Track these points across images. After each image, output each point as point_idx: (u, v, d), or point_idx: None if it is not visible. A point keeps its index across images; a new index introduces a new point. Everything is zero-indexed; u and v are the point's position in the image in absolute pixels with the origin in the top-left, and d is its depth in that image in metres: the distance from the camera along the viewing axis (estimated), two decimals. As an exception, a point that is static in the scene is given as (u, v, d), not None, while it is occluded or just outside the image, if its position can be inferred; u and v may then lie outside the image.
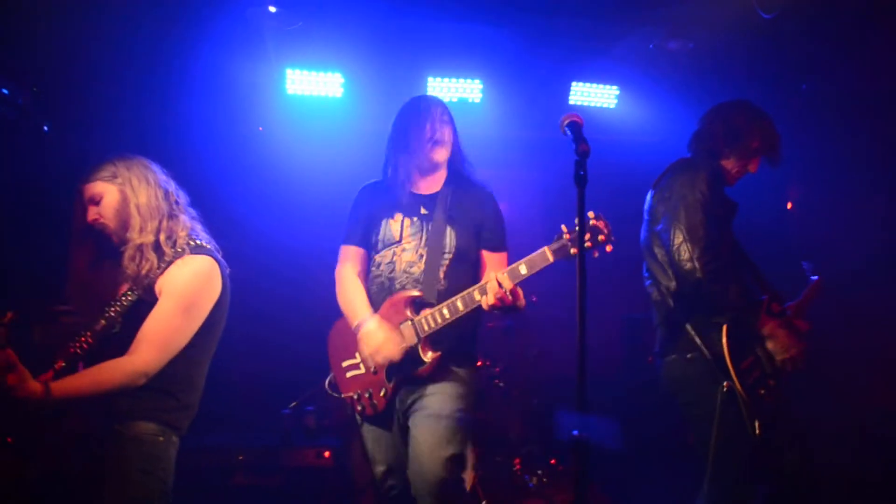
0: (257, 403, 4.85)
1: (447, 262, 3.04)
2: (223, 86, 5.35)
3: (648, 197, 3.35)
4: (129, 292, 2.62)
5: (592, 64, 5.58)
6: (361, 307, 3.06)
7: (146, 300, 2.59)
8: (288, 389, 4.64)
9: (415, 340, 2.93)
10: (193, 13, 4.56)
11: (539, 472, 4.61)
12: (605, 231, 2.58)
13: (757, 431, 2.99)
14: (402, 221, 3.10)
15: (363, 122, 5.62)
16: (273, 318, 5.29)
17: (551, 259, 2.69)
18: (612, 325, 5.75)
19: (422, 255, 3.03)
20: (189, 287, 2.60)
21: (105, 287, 2.71)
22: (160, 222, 2.68)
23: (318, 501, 4.00)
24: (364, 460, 3.06)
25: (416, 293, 2.97)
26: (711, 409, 3.05)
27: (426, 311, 2.91)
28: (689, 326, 3.13)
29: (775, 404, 3.07)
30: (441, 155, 3.11)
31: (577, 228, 2.37)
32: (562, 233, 2.68)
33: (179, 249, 2.67)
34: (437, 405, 2.95)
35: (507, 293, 2.73)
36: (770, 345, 3.07)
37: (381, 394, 3.02)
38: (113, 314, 2.61)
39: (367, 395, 3.04)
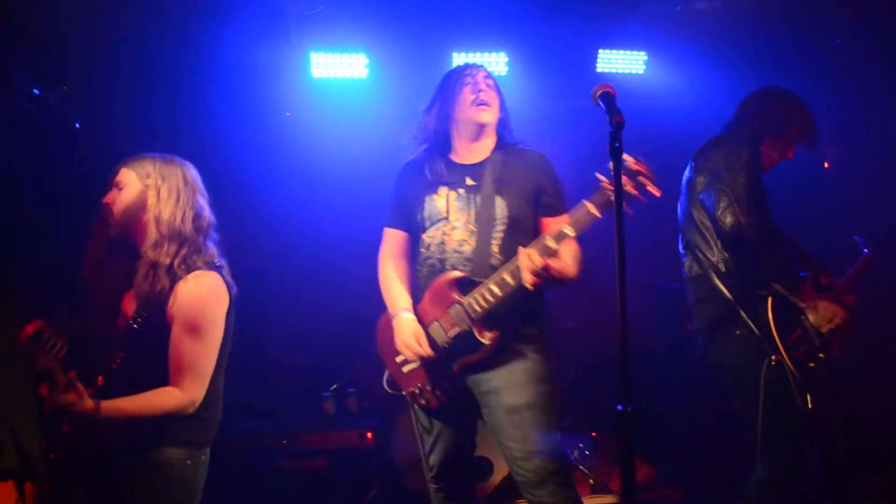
0: (299, 388, 4.92)
1: (500, 234, 2.81)
2: (249, 73, 5.37)
3: (687, 170, 3.32)
4: (143, 312, 2.51)
5: (618, 30, 5.46)
6: (398, 297, 2.93)
7: (159, 321, 2.49)
8: (329, 373, 4.69)
9: (467, 324, 2.75)
10: (216, 2, 4.56)
11: (580, 444, 4.60)
12: (648, 173, 2.46)
13: (809, 405, 2.97)
14: (447, 196, 2.90)
15: (389, 101, 5.59)
16: (310, 303, 5.35)
17: (597, 213, 2.56)
18: (645, 294, 5.69)
19: (472, 231, 2.82)
20: (201, 308, 2.50)
21: (117, 280, 2.63)
22: (180, 245, 2.53)
23: (362, 483, 4.04)
24: (407, 441, 3.07)
25: (458, 274, 2.79)
26: (761, 383, 3.04)
27: (476, 291, 2.73)
28: (734, 301, 3.09)
29: (825, 378, 3.04)
30: (487, 116, 2.91)
31: (613, 199, 2.21)
32: (600, 182, 2.54)
33: (184, 266, 2.52)
34: (511, 398, 2.75)
35: (541, 268, 2.56)
36: (812, 317, 3.03)
37: (446, 384, 2.85)
38: (132, 333, 2.51)
39: (428, 388, 2.85)
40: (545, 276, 2.59)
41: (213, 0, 4.50)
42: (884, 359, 4.32)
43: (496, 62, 5.62)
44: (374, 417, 4.37)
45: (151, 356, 2.49)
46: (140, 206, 2.56)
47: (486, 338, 2.72)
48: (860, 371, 3.63)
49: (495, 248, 2.80)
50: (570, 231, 2.60)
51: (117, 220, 2.57)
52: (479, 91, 2.92)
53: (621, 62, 5.74)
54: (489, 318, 2.75)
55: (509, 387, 2.76)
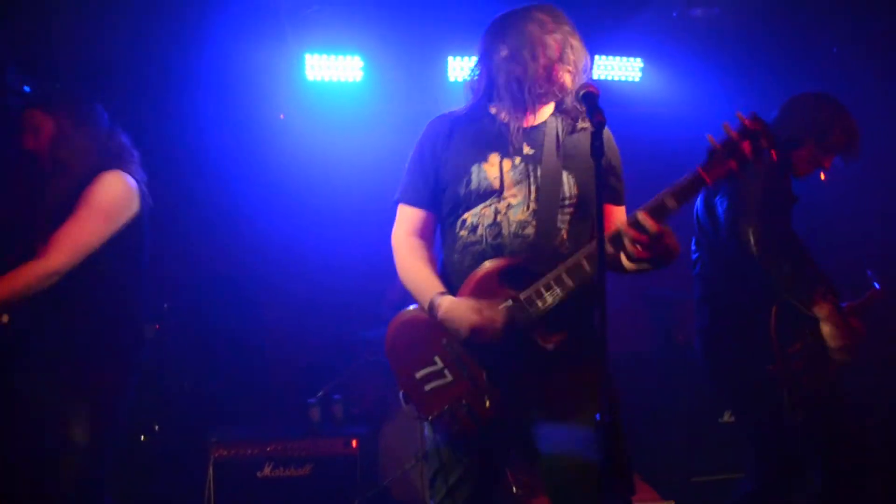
0: (284, 394, 4.87)
1: (569, 215, 2.29)
2: (242, 74, 5.30)
3: None
4: (46, 209, 2.82)
5: (614, 36, 5.40)
6: (431, 282, 2.30)
7: (63, 210, 2.77)
8: (316, 379, 4.64)
9: (525, 325, 2.18)
10: (208, 2, 4.51)
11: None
12: (765, 131, 2.09)
13: (800, 417, 2.91)
14: (501, 164, 2.31)
15: (384, 105, 5.55)
16: (297, 309, 5.30)
17: (708, 179, 2.12)
18: (635, 301, 5.63)
19: (534, 211, 2.26)
20: (103, 194, 2.80)
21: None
22: (88, 153, 2.88)
23: (347, 491, 3.98)
24: (394, 450, 2.95)
25: (512, 260, 2.22)
26: (756, 391, 2.99)
27: (538, 283, 2.17)
28: (739, 305, 3.04)
29: (822, 392, 2.97)
30: (569, 79, 2.31)
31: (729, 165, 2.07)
32: (712, 146, 2.12)
33: (99, 169, 2.86)
34: (576, 419, 2.20)
35: (656, 237, 2.04)
36: (825, 328, 2.91)
37: (486, 404, 2.22)
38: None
39: (463, 410, 2.23)
40: (655, 252, 2.07)
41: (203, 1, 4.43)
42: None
43: (491, 67, 5.55)
44: (360, 425, 4.31)
45: None
46: (62, 138, 2.89)
47: (549, 344, 2.19)
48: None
49: (563, 234, 2.27)
50: (671, 203, 2.10)
51: (48, 158, 2.89)
52: (564, 48, 2.31)
53: (617, 68, 5.69)
54: (552, 319, 2.19)
55: (569, 402, 2.24)
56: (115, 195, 2.84)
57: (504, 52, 2.33)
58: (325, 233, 5.47)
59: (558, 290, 2.15)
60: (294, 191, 5.61)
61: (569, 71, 2.30)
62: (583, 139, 2.33)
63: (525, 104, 2.33)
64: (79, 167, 2.85)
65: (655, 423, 4.50)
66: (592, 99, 2.07)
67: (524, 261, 2.22)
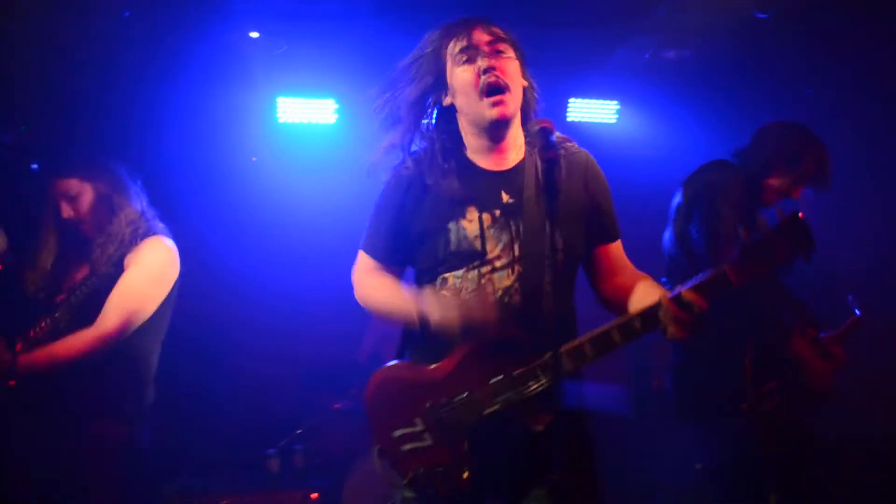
0: (244, 443, 4.67)
1: (554, 274, 2.05)
2: (212, 118, 5.24)
3: (676, 197, 3.17)
4: (92, 276, 2.80)
5: (589, 79, 5.41)
6: (406, 294, 2.14)
7: (110, 276, 2.79)
8: (277, 427, 4.47)
9: (514, 403, 2.00)
10: (175, 46, 4.46)
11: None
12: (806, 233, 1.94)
13: (772, 457, 2.80)
14: (481, 219, 2.10)
15: (359, 148, 5.46)
16: (264, 354, 5.14)
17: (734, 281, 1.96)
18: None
19: (520, 274, 2.07)
20: (158, 260, 2.88)
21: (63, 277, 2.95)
22: (131, 215, 2.93)
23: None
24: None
25: (511, 332, 2.02)
26: (726, 430, 2.89)
27: (535, 363, 1.99)
28: (712, 340, 2.89)
29: (796, 431, 2.90)
30: (506, 109, 2.08)
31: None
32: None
33: (143, 232, 2.93)
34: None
35: (695, 308, 1.90)
36: (802, 369, 2.88)
37: (464, 474, 2.05)
38: (73, 300, 2.77)
39: (439, 476, 2.07)
40: (694, 331, 1.93)
41: (171, 44, 4.38)
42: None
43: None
44: (322, 477, 4.14)
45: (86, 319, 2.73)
46: (102, 201, 2.95)
47: (538, 424, 2.01)
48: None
49: (549, 299, 2.05)
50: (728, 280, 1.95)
51: (90, 224, 2.94)
52: (487, 71, 2.07)
53: (593, 111, 5.67)
54: (544, 396, 2.00)
55: (560, 492, 2.04)
56: (163, 260, 2.91)
57: (418, 87, 2.19)
58: (296, 277, 5.34)
59: (555, 372, 1.97)
60: (266, 234, 5.51)
61: (504, 103, 2.08)
62: (569, 175, 2.15)
63: (475, 140, 2.17)
64: (123, 233, 2.88)
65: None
66: (546, 134, 1.97)
67: (513, 331, 2.02)
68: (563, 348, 1.97)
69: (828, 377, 2.93)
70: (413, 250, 2.22)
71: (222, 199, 5.41)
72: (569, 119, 5.64)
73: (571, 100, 5.62)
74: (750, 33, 4.30)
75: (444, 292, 2.09)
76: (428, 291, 2.11)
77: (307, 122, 5.48)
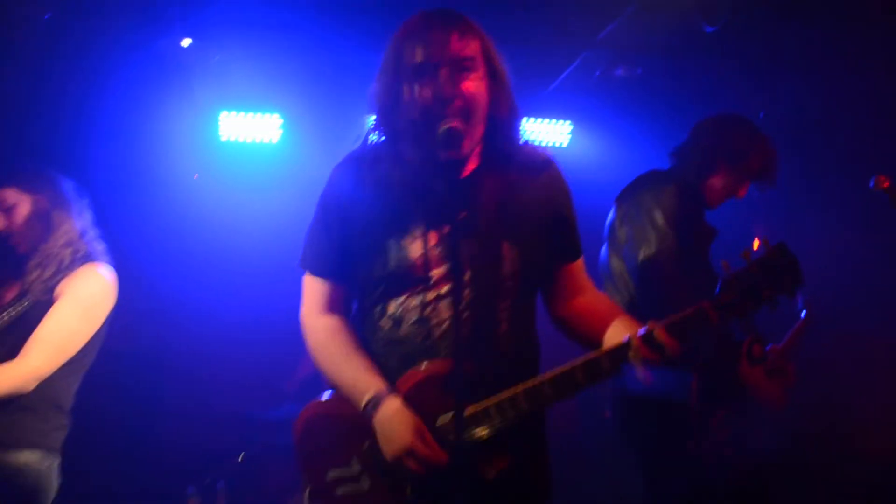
0: (163, 480, 4.36)
1: (510, 300, 1.87)
2: (149, 132, 5.01)
3: (610, 214, 2.96)
4: (23, 298, 2.62)
5: (540, 98, 5.28)
6: (370, 373, 1.86)
7: (41, 303, 2.60)
8: (200, 463, 4.17)
9: (463, 446, 1.71)
10: (104, 51, 4.23)
11: None
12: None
13: (726, 495, 2.63)
14: (426, 238, 1.85)
15: (304, 165, 5.27)
16: (190, 379, 4.86)
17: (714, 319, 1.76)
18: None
19: (469, 302, 1.81)
20: (91, 292, 2.67)
21: None
22: (70, 234, 2.72)
23: None
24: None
25: (447, 365, 1.78)
26: (673, 466, 2.69)
27: (489, 402, 1.77)
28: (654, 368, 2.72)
29: (751, 465, 2.72)
30: (463, 150, 1.83)
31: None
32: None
33: (81, 257, 2.72)
34: None
35: (668, 351, 1.71)
36: (751, 393, 2.73)
37: None
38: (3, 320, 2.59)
39: None
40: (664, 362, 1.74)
41: (99, 50, 4.15)
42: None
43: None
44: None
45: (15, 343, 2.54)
46: (39, 214, 2.73)
47: (491, 470, 1.80)
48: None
49: (503, 326, 1.86)
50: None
51: (24, 238, 2.71)
52: (443, 84, 1.80)
53: (546, 132, 5.54)
54: (497, 441, 1.79)
55: None
56: (97, 293, 2.71)
57: (386, 98, 1.90)
58: (233, 300, 5.08)
59: (510, 413, 1.76)
60: (203, 255, 5.26)
61: (457, 126, 1.80)
62: (527, 187, 1.92)
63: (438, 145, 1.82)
64: (62, 255, 2.69)
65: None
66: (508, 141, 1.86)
67: (463, 366, 1.72)
68: (520, 388, 1.76)
69: (779, 396, 2.76)
70: (353, 271, 1.96)
71: (160, 218, 5.16)
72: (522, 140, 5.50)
73: (523, 120, 5.47)
74: (701, 50, 4.20)
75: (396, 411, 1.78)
76: (393, 402, 1.79)
77: (250, 139, 5.26)
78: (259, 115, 5.21)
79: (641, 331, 1.72)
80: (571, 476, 4.28)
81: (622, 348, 1.74)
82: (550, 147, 5.53)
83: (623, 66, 4.56)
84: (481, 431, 1.77)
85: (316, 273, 2.01)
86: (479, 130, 1.88)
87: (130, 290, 4.95)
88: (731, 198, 2.96)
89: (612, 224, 2.91)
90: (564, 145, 5.57)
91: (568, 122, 5.53)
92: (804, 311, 3.19)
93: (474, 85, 1.85)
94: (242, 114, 5.19)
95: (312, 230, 2.02)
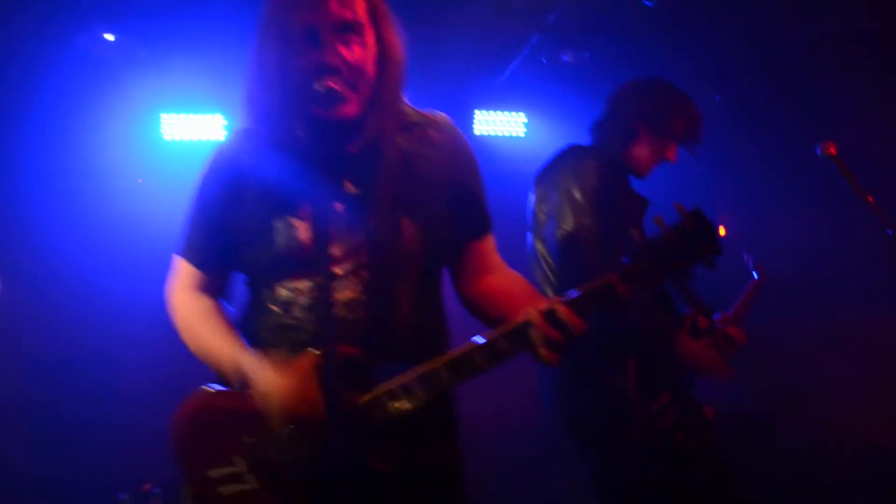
0: (94, 485, 4.16)
1: (411, 280, 1.75)
2: (86, 133, 4.84)
3: (530, 197, 2.78)
4: None
5: (492, 89, 5.15)
6: (238, 345, 1.73)
7: None
8: (134, 468, 3.97)
9: (360, 434, 1.61)
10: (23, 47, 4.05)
11: None
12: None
13: (677, 485, 2.45)
14: (315, 216, 1.72)
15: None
16: (136, 384, 4.66)
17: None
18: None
19: (367, 283, 1.69)
20: None
21: None
22: None
23: None
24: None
25: (348, 352, 1.62)
26: (617, 462, 2.52)
27: (380, 388, 1.62)
28: (584, 359, 2.52)
29: (700, 449, 2.54)
30: (347, 109, 1.69)
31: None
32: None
33: None
34: None
35: (577, 331, 1.54)
36: (696, 372, 2.58)
37: None
38: None
39: None
40: (573, 348, 1.58)
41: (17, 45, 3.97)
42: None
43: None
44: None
45: None
46: None
47: (384, 463, 1.66)
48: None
49: (405, 309, 1.74)
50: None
51: None
52: (325, 46, 1.64)
53: (500, 124, 5.40)
54: (393, 433, 1.65)
55: None
56: None
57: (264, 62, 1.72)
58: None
59: (406, 402, 1.61)
60: (148, 255, 5.06)
61: (345, 100, 1.66)
62: (430, 158, 1.78)
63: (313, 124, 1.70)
64: None
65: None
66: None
67: (358, 353, 1.63)
68: (416, 373, 1.61)
69: (724, 368, 2.61)
70: (238, 253, 1.81)
71: (102, 218, 4.98)
72: (476, 132, 5.38)
73: (477, 111, 5.35)
74: (647, 27, 4.04)
75: (268, 361, 1.65)
76: (250, 358, 1.67)
77: (196, 139, 5.10)
78: (200, 115, 5.05)
79: (543, 307, 1.56)
80: (522, 464, 4.17)
81: (523, 327, 1.57)
82: (507, 138, 5.42)
83: (569, 52, 4.40)
84: (373, 420, 1.61)
85: (192, 262, 1.87)
86: (365, 97, 1.71)
87: (73, 293, 4.88)
88: (663, 163, 2.79)
89: (532, 207, 2.75)
90: (521, 135, 5.44)
91: (521, 113, 5.41)
92: (755, 273, 3.03)
93: (359, 51, 1.69)
94: (183, 115, 5.04)
95: (190, 218, 1.88)
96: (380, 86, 1.73)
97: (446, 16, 4.17)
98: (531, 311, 1.56)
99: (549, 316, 1.54)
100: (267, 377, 1.63)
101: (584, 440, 2.66)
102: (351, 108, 1.68)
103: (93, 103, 4.71)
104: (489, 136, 5.39)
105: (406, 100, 1.82)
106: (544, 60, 4.52)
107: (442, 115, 1.90)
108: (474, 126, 5.37)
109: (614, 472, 2.56)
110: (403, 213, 1.72)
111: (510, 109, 5.39)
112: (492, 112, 5.38)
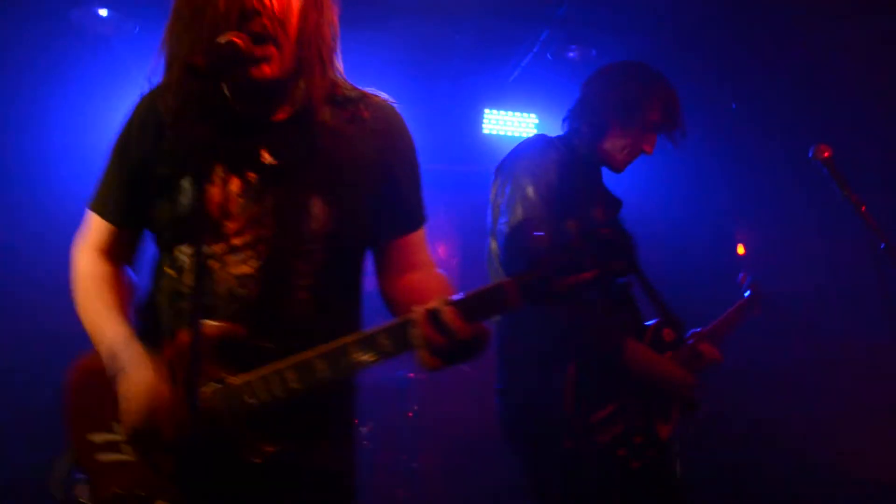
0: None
1: (312, 265, 1.60)
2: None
3: (492, 188, 2.55)
4: None
5: (502, 87, 5.02)
6: (121, 332, 1.62)
7: None
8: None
9: (231, 421, 1.50)
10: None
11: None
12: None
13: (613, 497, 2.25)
14: (226, 183, 1.58)
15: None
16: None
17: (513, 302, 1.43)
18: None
19: (263, 258, 1.56)
20: None
21: None
22: None
23: None
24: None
25: (224, 329, 1.52)
26: (547, 472, 2.30)
27: (254, 374, 1.50)
28: (530, 359, 2.33)
29: (642, 470, 2.31)
30: (267, 70, 1.52)
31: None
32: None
33: None
34: None
35: (462, 339, 1.39)
36: (653, 382, 2.37)
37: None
38: None
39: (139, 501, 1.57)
40: (455, 359, 1.43)
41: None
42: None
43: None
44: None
45: None
46: None
47: (257, 454, 1.54)
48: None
49: (302, 293, 1.60)
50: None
51: None
52: (236, 2, 1.48)
53: (510, 123, 5.25)
54: (271, 419, 1.52)
55: None
56: None
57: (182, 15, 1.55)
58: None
59: (278, 390, 1.48)
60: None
61: (265, 61, 1.51)
62: (355, 137, 1.64)
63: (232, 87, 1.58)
64: None
65: None
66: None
67: (252, 334, 1.53)
68: (290, 361, 1.48)
69: (686, 383, 2.38)
70: (147, 209, 1.67)
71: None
72: (485, 131, 5.24)
73: (487, 111, 5.21)
74: (657, 28, 3.85)
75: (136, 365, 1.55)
76: (136, 364, 1.55)
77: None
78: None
79: (429, 306, 1.40)
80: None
81: (403, 325, 1.42)
82: (517, 138, 5.28)
83: (576, 47, 4.21)
84: (244, 406, 1.49)
85: (101, 215, 1.74)
86: (288, 58, 1.55)
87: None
88: (640, 156, 2.55)
89: (491, 201, 2.54)
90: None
91: (533, 114, 5.29)
92: (748, 292, 2.84)
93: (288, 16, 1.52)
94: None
95: (104, 169, 1.75)
96: (307, 46, 1.57)
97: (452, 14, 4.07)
98: (417, 310, 1.41)
99: (433, 316, 1.39)
100: (131, 378, 1.53)
101: (518, 445, 2.46)
102: (272, 68, 1.52)
103: (89, 77, 4.62)
104: (498, 135, 5.24)
105: (342, 71, 1.67)
106: (549, 56, 4.34)
107: (383, 96, 1.73)
108: (483, 125, 5.24)
109: (545, 483, 2.34)
110: (316, 193, 1.59)
111: (522, 110, 5.26)
112: (503, 112, 5.25)
